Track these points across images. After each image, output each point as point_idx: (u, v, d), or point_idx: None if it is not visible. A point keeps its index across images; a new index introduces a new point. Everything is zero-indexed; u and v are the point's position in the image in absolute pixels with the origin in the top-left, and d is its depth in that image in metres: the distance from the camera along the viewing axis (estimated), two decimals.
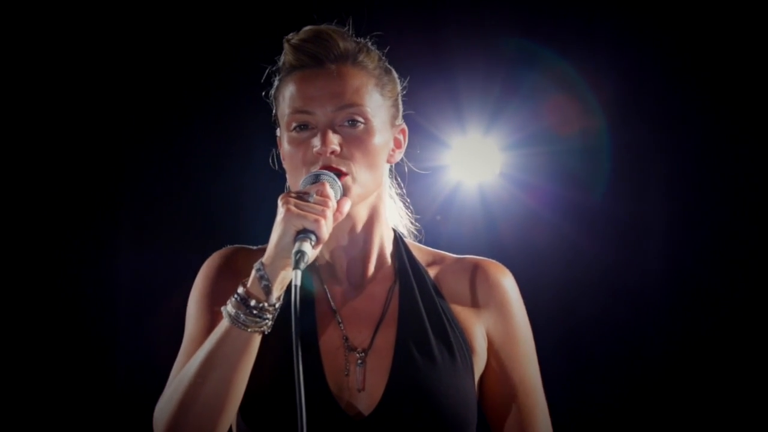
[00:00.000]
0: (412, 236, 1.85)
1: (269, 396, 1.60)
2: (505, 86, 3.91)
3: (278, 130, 1.73)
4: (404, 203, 1.86)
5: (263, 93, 1.75)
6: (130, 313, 3.88)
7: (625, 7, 3.83)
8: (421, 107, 3.87)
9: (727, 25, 3.75)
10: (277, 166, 1.75)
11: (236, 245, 1.76)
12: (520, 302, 1.77)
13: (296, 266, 1.47)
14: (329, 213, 1.53)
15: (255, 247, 1.74)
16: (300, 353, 1.42)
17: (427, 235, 3.94)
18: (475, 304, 1.73)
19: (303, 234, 1.51)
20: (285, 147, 1.67)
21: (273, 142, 1.76)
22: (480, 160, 4.03)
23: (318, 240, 1.51)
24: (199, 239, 3.73)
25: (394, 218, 1.83)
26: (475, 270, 1.76)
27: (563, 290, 4.01)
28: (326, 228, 1.52)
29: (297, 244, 1.50)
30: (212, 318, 1.65)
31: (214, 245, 1.79)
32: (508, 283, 1.77)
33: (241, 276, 1.61)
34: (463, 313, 1.72)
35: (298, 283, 1.46)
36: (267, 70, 1.73)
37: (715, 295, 3.91)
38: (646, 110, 3.92)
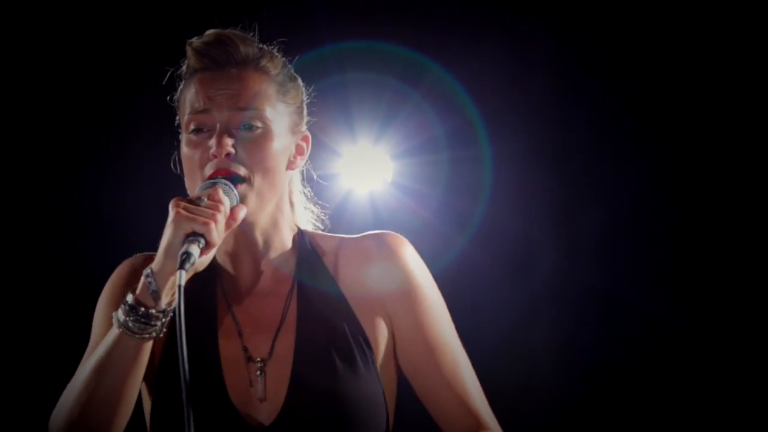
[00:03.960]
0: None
1: (170, 404, 1.59)
2: (395, 95, 3.95)
3: (181, 135, 1.72)
4: (310, 200, 1.86)
5: (168, 98, 1.74)
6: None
7: (507, 17, 3.90)
8: (311, 115, 3.90)
9: (611, 29, 3.85)
10: (178, 170, 1.74)
11: (144, 253, 1.75)
12: (420, 268, 1.78)
13: (181, 266, 1.47)
14: (220, 217, 1.53)
15: None
16: (185, 356, 1.40)
17: None
18: (374, 282, 1.74)
19: (192, 237, 1.50)
20: (183, 149, 1.66)
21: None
22: (370, 169, 4.06)
23: (208, 244, 1.51)
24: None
25: (303, 224, 1.83)
26: (371, 247, 1.76)
27: (452, 298, 4.05)
28: (216, 232, 1.51)
29: (185, 246, 1.49)
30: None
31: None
32: (404, 252, 1.77)
33: None
34: (361, 299, 1.72)
35: (182, 283, 1.45)
36: (170, 73, 1.72)
37: (602, 303, 4.00)
38: (528, 119, 4.00)
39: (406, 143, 4.03)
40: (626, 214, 3.99)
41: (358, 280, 1.74)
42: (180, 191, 1.66)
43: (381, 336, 1.71)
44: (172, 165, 1.76)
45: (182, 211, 1.51)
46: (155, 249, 1.55)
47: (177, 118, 1.72)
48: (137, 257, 1.74)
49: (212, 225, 1.50)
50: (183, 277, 1.46)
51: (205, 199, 1.54)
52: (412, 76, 3.93)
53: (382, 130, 4.02)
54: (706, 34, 3.75)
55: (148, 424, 1.65)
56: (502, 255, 4.06)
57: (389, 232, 1.79)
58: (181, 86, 1.70)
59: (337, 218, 4.17)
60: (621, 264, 3.98)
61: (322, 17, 3.87)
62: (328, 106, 3.97)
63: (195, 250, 1.49)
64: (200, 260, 1.51)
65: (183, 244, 1.49)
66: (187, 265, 1.47)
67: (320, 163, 3.99)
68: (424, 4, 3.94)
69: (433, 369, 1.71)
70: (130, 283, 1.67)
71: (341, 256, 1.77)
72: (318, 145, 3.97)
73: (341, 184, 4.07)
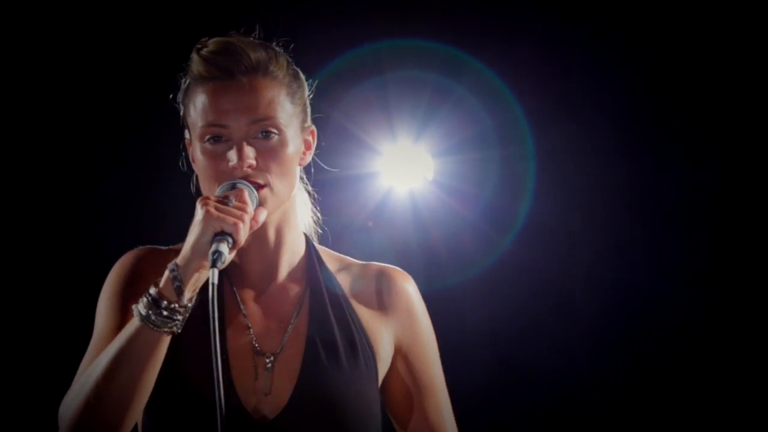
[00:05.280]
0: (318, 238, 1.87)
1: (177, 396, 1.61)
2: (435, 94, 3.95)
3: (186, 132, 1.73)
4: (313, 203, 1.87)
5: (171, 96, 1.75)
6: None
7: (548, 15, 3.89)
8: (351, 114, 3.91)
9: (654, 28, 3.83)
10: (185, 168, 1.75)
11: (148, 246, 1.77)
12: (423, 308, 1.82)
13: (213, 265, 1.49)
14: (247, 218, 1.55)
15: (165, 248, 1.75)
16: (219, 353, 1.44)
17: (358, 241, 3.98)
18: (381, 310, 1.77)
19: (221, 236, 1.52)
20: (198, 157, 1.68)
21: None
22: (410, 167, 4.06)
23: (235, 243, 1.53)
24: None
25: (306, 219, 1.85)
26: (381, 277, 1.79)
27: (491, 296, 4.05)
28: (243, 232, 1.54)
29: (215, 245, 1.51)
30: (122, 317, 1.65)
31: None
32: (411, 290, 1.80)
33: (151, 276, 1.62)
34: (369, 319, 1.76)
35: (216, 281, 1.48)
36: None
37: (640, 301, 3.98)
38: (570, 117, 3.98)
39: (447, 141, 4.02)
40: (669, 212, 3.96)
41: (366, 302, 1.77)
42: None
43: (384, 353, 1.75)
44: (180, 164, 1.77)
45: (212, 210, 1.53)
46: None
47: (182, 116, 1.73)
48: (140, 249, 1.75)
49: (240, 225, 1.53)
50: (215, 275, 1.48)
51: (233, 200, 1.56)
52: (452, 72, 3.92)
53: (423, 128, 4.01)
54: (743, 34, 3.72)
55: (140, 415, 1.66)
56: (544, 254, 4.04)
57: (396, 267, 1.83)
58: (185, 85, 1.71)
59: (377, 216, 4.25)
60: (664, 263, 3.95)
61: (360, 16, 3.88)
62: (367, 104, 4.00)
63: (225, 248, 1.51)
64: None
65: (211, 242, 1.52)
66: (219, 264, 1.50)
67: (361, 161, 4.05)
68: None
69: (419, 409, 1.76)
70: (135, 274, 1.70)
71: (350, 276, 1.80)
72: (358, 144, 4.03)
73: (381, 183, 4.07)
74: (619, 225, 4.00)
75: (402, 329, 1.76)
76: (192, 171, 1.73)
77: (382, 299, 1.77)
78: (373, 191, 4.04)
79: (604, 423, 4.00)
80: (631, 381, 3.98)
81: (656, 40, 3.83)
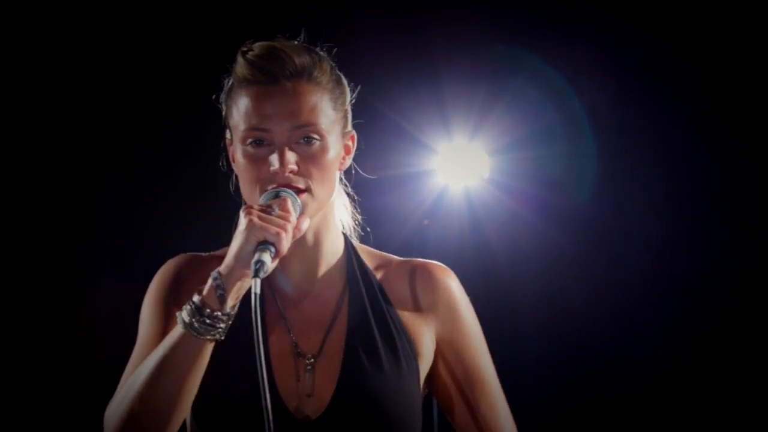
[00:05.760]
0: (357, 237, 1.87)
1: (222, 400, 1.63)
2: (491, 91, 3.93)
3: (227, 132, 1.74)
4: (353, 205, 1.87)
5: (213, 96, 1.76)
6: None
7: (608, 12, 3.85)
8: (407, 113, 3.91)
9: (712, 25, 3.78)
10: (225, 167, 1.77)
11: (189, 253, 1.78)
12: (466, 300, 1.79)
13: (256, 275, 1.50)
14: (290, 228, 1.56)
15: (206, 254, 1.76)
16: (263, 361, 1.46)
17: (414, 239, 3.98)
18: (421, 307, 1.76)
19: (263, 245, 1.53)
20: (239, 159, 1.68)
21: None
22: (466, 165, 4.05)
23: (277, 253, 1.54)
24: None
25: (346, 221, 1.85)
26: (420, 273, 1.78)
27: (548, 293, 4.03)
28: (286, 242, 1.55)
29: (257, 255, 1.52)
30: (165, 324, 1.67)
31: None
32: (452, 284, 1.78)
33: (193, 282, 1.64)
34: (409, 317, 1.75)
35: (258, 291, 1.48)
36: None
37: (701, 297, 3.93)
38: (630, 115, 3.94)
39: (503, 138, 4.00)
40: (729, 209, 3.91)
41: (406, 299, 1.76)
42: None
43: (425, 351, 1.74)
44: (221, 164, 1.79)
45: (256, 220, 1.54)
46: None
47: (224, 116, 1.74)
48: (182, 257, 1.77)
49: (283, 235, 1.54)
50: (258, 284, 1.49)
51: (277, 209, 1.57)
52: (508, 69, 3.91)
53: (479, 126, 4.00)
54: None
55: (187, 418, 1.68)
56: (602, 253, 4.01)
57: (436, 262, 1.81)
58: (228, 86, 1.72)
59: (432, 215, 4.25)
60: (726, 261, 3.90)
61: (416, 15, 3.88)
62: (423, 103, 4.00)
63: (267, 258, 1.52)
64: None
65: (254, 251, 1.53)
66: (261, 273, 1.50)
67: (416, 160, 4.05)
68: None
69: (470, 404, 1.74)
70: (177, 282, 1.71)
71: (390, 273, 1.79)
72: (414, 143, 4.03)
73: (437, 181, 4.06)
74: (682, 223, 3.95)
75: (443, 324, 1.75)
76: (231, 171, 1.74)
77: (422, 295, 1.75)
78: (428, 190, 4.03)
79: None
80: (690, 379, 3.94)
81: (721, 35, 3.78)
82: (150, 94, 3.89)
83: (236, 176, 1.73)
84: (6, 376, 3.89)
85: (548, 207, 4.00)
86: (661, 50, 3.86)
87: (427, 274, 1.77)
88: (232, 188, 1.75)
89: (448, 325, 1.75)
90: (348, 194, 1.87)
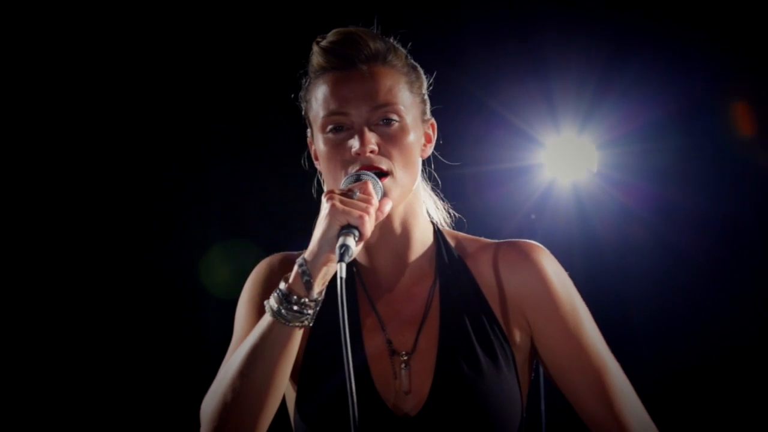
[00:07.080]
0: (449, 226, 1.85)
1: (322, 393, 1.64)
2: (599, 85, 3.89)
3: (308, 131, 1.75)
4: (437, 195, 1.86)
5: (292, 95, 1.77)
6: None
7: (719, 8, 3.77)
8: (515, 107, 3.89)
9: None
10: (307, 166, 1.77)
11: (282, 252, 1.80)
12: (559, 275, 1.73)
13: (341, 259, 1.49)
14: (372, 210, 1.55)
15: (297, 252, 1.76)
16: (349, 346, 1.44)
17: (521, 234, 3.96)
18: (512, 288, 1.72)
19: (347, 229, 1.53)
20: (321, 148, 1.69)
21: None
22: (574, 159, 4.01)
23: (361, 236, 1.53)
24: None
25: (431, 210, 1.84)
26: (508, 253, 1.74)
27: (657, 288, 3.97)
28: (369, 224, 1.54)
29: (341, 239, 1.51)
30: (258, 321, 1.66)
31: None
32: (541, 259, 1.73)
33: None
34: (502, 303, 1.72)
35: (344, 275, 1.47)
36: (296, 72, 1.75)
37: None
38: (744, 111, 3.86)
39: (612, 132, 3.95)
40: None
41: (497, 284, 1.73)
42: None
43: (519, 338, 1.71)
44: (303, 162, 1.79)
45: (338, 204, 1.54)
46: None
47: (304, 115, 1.75)
48: (275, 256, 1.78)
49: (366, 218, 1.53)
50: (343, 269, 1.48)
51: (358, 192, 1.57)
52: (617, 63, 3.85)
53: (587, 120, 3.96)
54: None
55: (291, 414, 1.69)
56: (714, 247, 3.92)
57: (529, 240, 1.77)
58: (306, 84, 1.73)
59: (539, 209, 4.22)
60: None
61: (524, 10, 3.86)
62: (531, 97, 3.98)
63: (351, 242, 1.51)
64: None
65: (338, 236, 1.52)
66: (347, 258, 1.49)
67: (524, 153, 4.03)
68: None
69: (580, 377, 1.68)
70: (269, 280, 1.72)
71: (479, 258, 1.76)
72: (522, 136, 4.01)
73: (545, 175, 4.03)
74: None
75: (536, 301, 1.70)
76: (314, 170, 1.75)
77: (511, 275, 1.72)
78: (536, 184, 4.01)
79: None
80: None
81: None
82: (241, 95, 3.95)
83: (318, 178, 1.75)
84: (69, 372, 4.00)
85: (657, 201, 3.94)
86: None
87: (514, 253, 1.73)
88: (314, 193, 1.75)
89: (543, 303, 1.70)
90: (431, 187, 1.85)
